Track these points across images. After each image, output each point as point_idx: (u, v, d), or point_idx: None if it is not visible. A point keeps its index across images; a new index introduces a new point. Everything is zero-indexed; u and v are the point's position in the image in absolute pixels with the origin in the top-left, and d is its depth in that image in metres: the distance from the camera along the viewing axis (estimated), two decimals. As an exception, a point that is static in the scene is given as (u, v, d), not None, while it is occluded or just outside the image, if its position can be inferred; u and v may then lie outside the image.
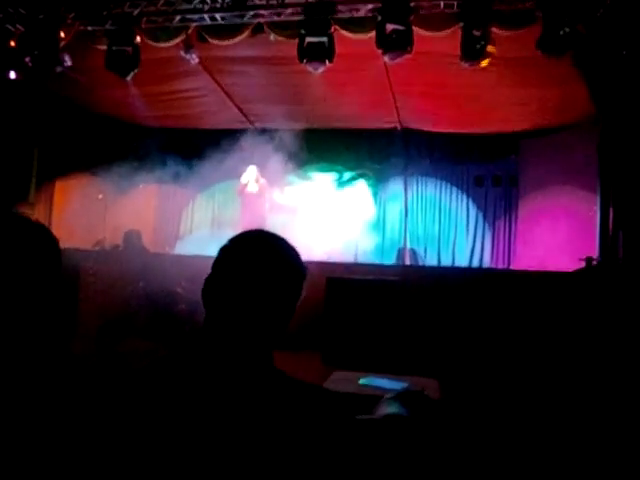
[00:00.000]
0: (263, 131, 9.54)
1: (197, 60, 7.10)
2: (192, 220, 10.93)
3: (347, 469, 1.15)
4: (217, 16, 6.66)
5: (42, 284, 1.31)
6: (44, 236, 1.34)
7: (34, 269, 1.29)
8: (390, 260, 9.66)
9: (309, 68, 6.54)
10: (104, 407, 1.20)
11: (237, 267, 1.21)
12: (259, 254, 1.21)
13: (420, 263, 9.75)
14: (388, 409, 2.01)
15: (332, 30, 6.28)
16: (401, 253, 9.79)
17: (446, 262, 9.83)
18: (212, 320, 1.22)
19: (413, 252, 9.86)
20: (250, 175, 8.60)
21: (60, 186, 10.01)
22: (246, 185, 8.66)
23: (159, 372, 1.21)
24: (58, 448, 1.18)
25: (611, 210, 6.61)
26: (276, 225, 9.12)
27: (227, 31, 6.72)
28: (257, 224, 8.23)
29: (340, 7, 6.29)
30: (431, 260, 9.93)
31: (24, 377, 1.22)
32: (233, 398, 1.14)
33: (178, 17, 6.75)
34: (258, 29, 6.65)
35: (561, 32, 5.49)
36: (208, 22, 6.74)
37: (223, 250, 1.25)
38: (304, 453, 1.12)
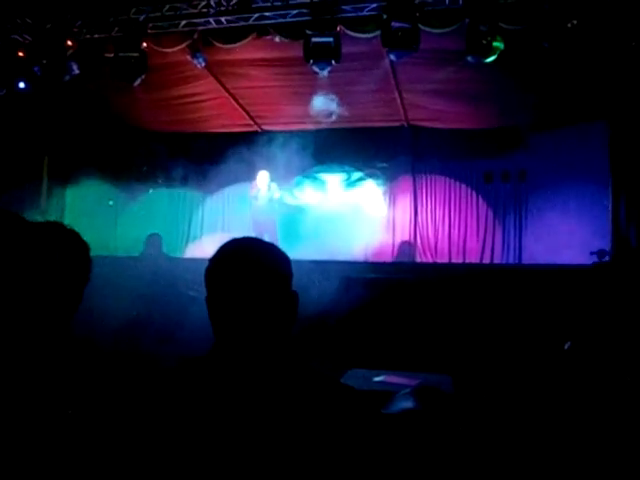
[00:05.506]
0: (271, 133, 9.54)
1: (204, 64, 7.13)
2: (202, 224, 10.96)
3: (368, 462, 1.17)
4: (222, 19, 6.69)
5: (75, 285, 1.35)
6: (77, 241, 1.40)
7: (68, 271, 1.34)
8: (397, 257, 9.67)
9: (315, 68, 6.55)
10: (130, 406, 1.23)
11: (221, 279, 1.28)
12: (238, 264, 1.27)
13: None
14: (403, 404, 2.01)
15: (338, 30, 6.29)
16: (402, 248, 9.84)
17: (457, 259, 9.79)
18: (217, 327, 1.28)
19: (408, 244, 9.88)
20: (262, 180, 8.62)
21: (71, 192, 10.09)
22: (258, 190, 8.69)
23: (182, 376, 1.27)
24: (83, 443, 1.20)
25: (622, 204, 6.58)
26: (286, 227, 9.15)
27: (232, 34, 6.75)
28: (268, 229, 8.27)
29: (345, 7, 6.29)
30: (442, 257, 9.90)
31: (43, 374, 1.24)
32: (254, 398, 1.18)
33: (184, 22, 6.79)
34: (263, 31, 6.67)
35: (569, 25, 5.46)
36: (214, 26, 6.77)
37: (210, 260, 1.32)
38: (325, 446, 1.14)
